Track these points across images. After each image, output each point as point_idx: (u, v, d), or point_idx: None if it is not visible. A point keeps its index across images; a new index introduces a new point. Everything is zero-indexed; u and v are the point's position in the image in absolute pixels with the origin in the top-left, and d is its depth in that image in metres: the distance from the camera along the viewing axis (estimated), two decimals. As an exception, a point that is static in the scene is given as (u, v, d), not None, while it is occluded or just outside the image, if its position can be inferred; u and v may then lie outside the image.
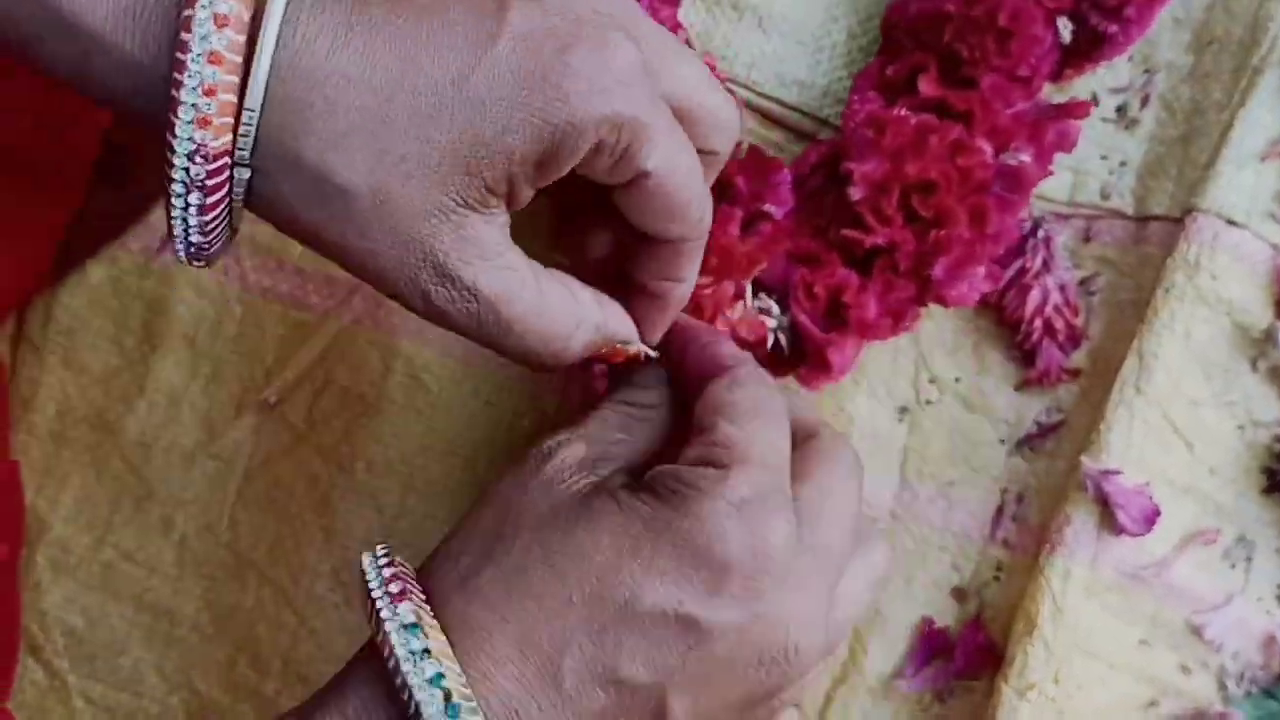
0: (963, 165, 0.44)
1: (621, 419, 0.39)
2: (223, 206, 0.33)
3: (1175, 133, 0.48)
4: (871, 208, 0.44)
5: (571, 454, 0.37)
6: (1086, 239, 0.49)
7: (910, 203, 0.44)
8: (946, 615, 0.47)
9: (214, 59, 0.31)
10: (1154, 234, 0.48)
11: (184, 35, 0.31)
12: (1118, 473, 0.45)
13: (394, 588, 0.34)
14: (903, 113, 0.45)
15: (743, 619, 0.35)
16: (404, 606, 0.33)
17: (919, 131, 0.45)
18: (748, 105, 0.49)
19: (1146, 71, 0.49)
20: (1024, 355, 0.48)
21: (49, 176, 0.46)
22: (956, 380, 0.48)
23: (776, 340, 0.45)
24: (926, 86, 0.46)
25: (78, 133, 0.44)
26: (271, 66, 0.32)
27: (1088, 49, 0.48)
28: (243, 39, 0.31)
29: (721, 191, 0.45)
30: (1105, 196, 0.49)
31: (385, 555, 0.36)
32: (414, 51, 0.33)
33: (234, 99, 0.31)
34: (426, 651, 0.33)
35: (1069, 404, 0.48)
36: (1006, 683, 0.45)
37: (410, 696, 0.32)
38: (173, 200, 0.33)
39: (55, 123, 0.43)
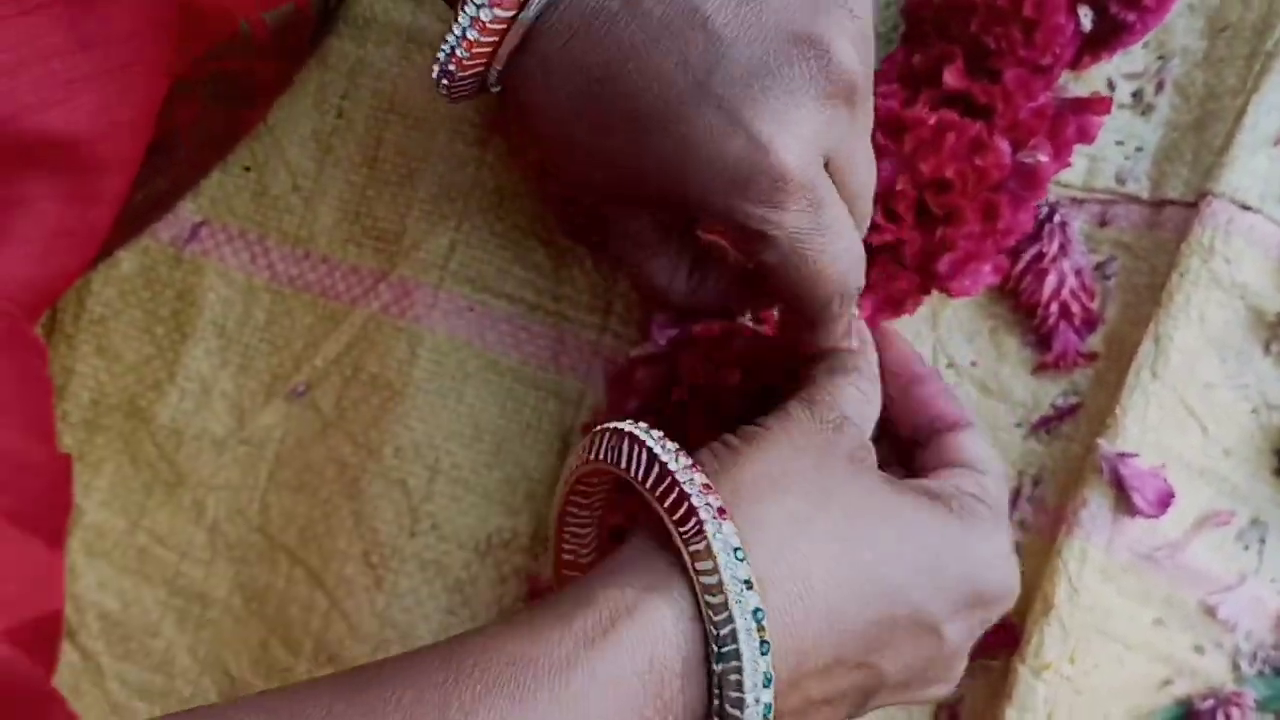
0: (980, 164, 0.45)
1: (862, 394, 0.41)
2: (494, 37, 0.35)
3: (1190, 118, 0.49)
4: (883, 207, 0.45)
5: (856, 435, 0.40)
6: (1102, 224, 0.49)
7: (923, 198, 0.45)
8: (964, 596, 0.48)
9: None
10: (1169, 218, 0.48)
11: None
12: (1133, 455, 0.46)
13: (713, 500, 0.34)
14: (922, 111, 0.46)
15: (968, 639, 0.40)
16: (728, 527, 0.34)
17: (937, 130, 0.45)
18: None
19: (1161, 58, 0.49)
20: (1040, 339, 0.49)
21: (100, 174, 0.47)
22: (973, 365, 0.49)
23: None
24: (952, 78, 0.46)
25: (128, 131, 0.45)
26: None
27: (1107, 37, 0.49)
28: None
29: None
30: (1121, 181, 0.49)
31: (679, 448, 0.36)
32: None
33: None
34: (749, 584, 0.33)
35: (1085, 388, 0.48)
36: (1023, 662, 0.45)
37: (728, 619, 0.33)
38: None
39: (111, 118, 0.44)
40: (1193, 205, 0.47)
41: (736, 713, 0.33)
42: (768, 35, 0.35)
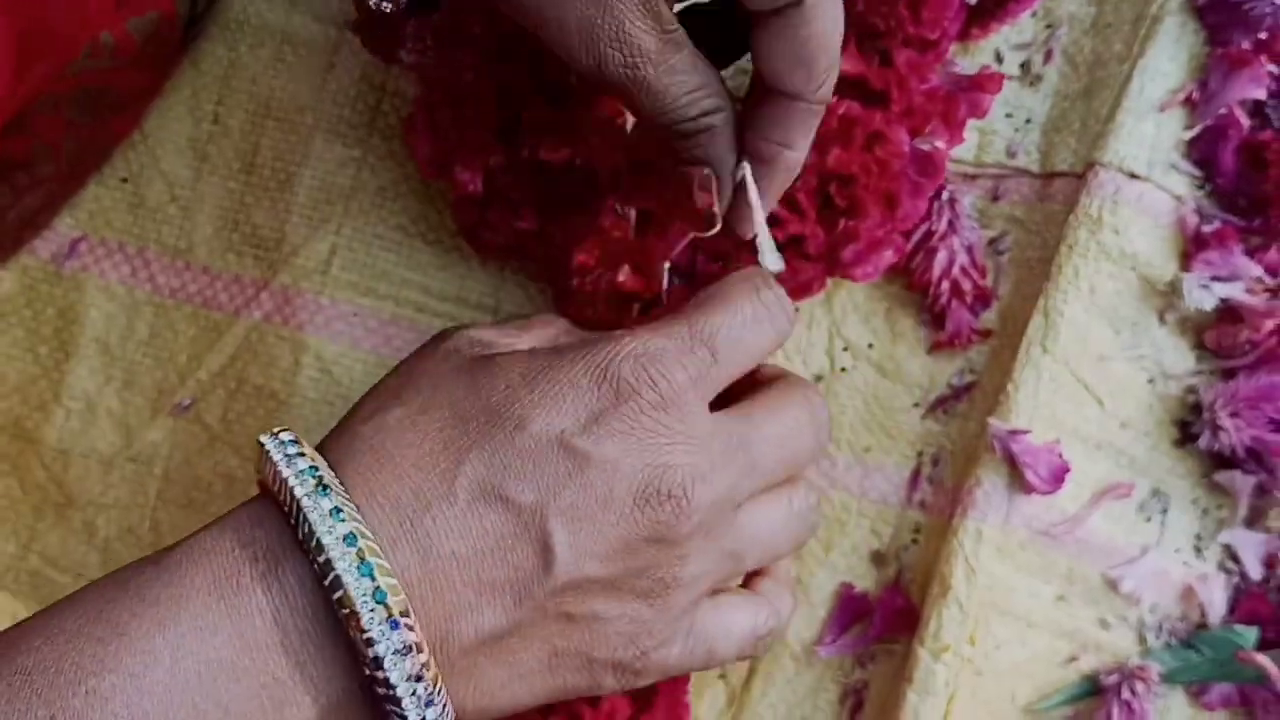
0: (881, 156, 0.45)
1: (516, 323, 0.42)
2: None
3: (1078, 86, 0.48)
4: (786, 199, 0.44)
5: (478, 335, 0.40)
6: (995, 198, 0.49)
7: (826, 189, 0.45)
8: (866, 580, 0.48)
9: None
10: (1058, 190, 0.48)
11: None
12: (1026, 432, 0.45)
13: (284, 433, 0.36)
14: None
15: (619, 452, 0.37)
16: (285, 433, 0.35)
17: (844, 123, 0.45)
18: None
19: (1049, 26, 0.49)
20: (934, 318, 0.48)
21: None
22: (870, 347, 0.48)
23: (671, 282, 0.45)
24: (848, 63, 0.45)
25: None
26: None
27: (994, 8, 0.48)
28: None
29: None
30: (1011, 155, 0.49)
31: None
32: None
33: None
34: (301, 454, 0.35)
35: (981, 365, 0.48)
36: (922, 644, 0.45)
37: (285, 488, 0.34)
38: None
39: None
40: (1081, 176, 0.47)
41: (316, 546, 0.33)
42: None
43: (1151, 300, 0.47)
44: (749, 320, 0.40)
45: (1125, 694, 0.46)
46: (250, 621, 0.33)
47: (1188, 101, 0.47)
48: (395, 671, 0.33)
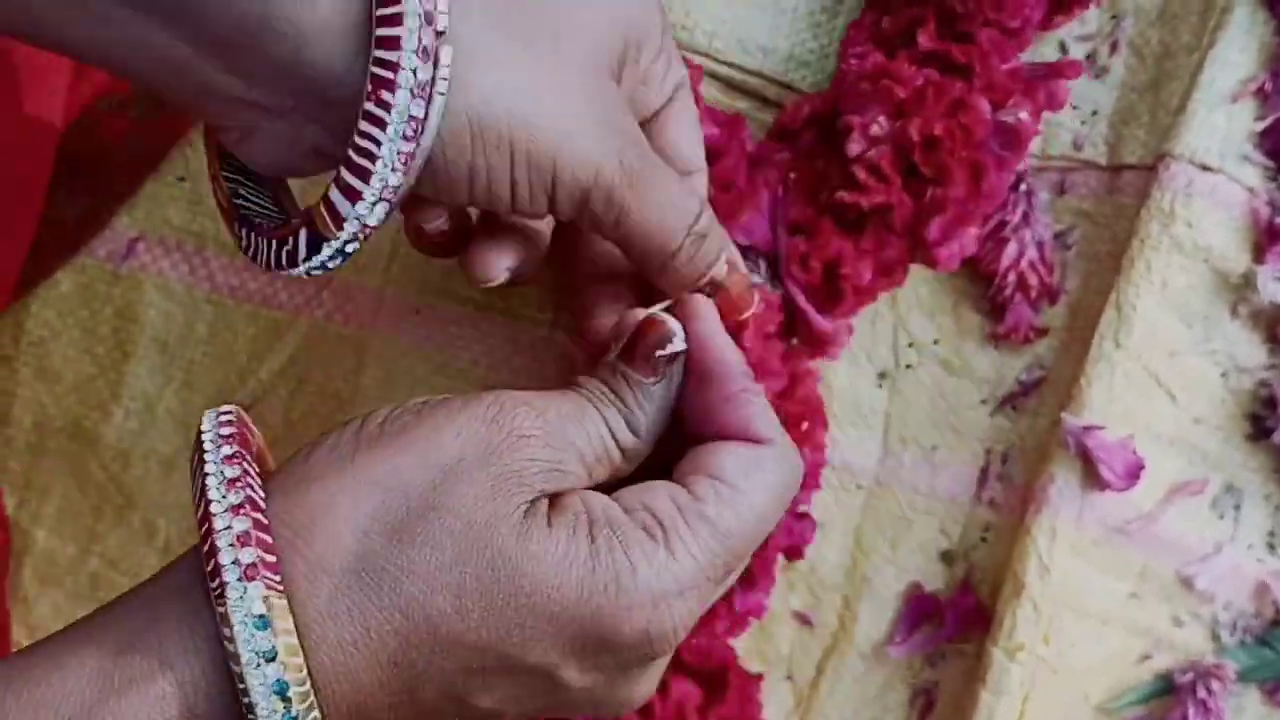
0: (965, 122, 0.44)
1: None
2: (417, 142, 0.33)
3: (1145, 78, 0.47)
4: (869, 166, 0.44)
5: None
6: (1061, 192, 0.48)
7: (910, 158, 0.44)
8: (935, 579, 0.47)
9: (429, 18, 0.32)
10: (1128, 183, 0.47)
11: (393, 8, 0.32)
12: (1100, 428, 0.45)
13: (245, 556, 0.31)
14: (907, 67, 0.44)
15: (604, 687, 0.34)
16: (254, 589, 0.30)
17: (922, 87, 0.44)
18: (711, 75, 0.48)
19: (1114, 17, 0.48)
20: (994, 309, 0.47)
21: (5, 194, 0.46)
22: (935, 342, 0.48)
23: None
24: (926, 39, 0.45)
25: (32, 148, 0.44)
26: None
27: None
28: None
29: None
30: (1078, 148, 0.48)
31: (229, 433, 0.34)
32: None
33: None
34: (269, 656, 0.30)
35: (1050, 360, 0.47)
36: (996, 645, 0.44)
37: (245, 687, 0.30)
38: (384, 145, 0.33)
39: (8, 140, 0.43)
40: (1151, 168, 0.46)
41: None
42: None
43: (1224, 294, 0.46)
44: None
45: (1200, 692, 0.45)
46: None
47: (1259, 92, 0.46)
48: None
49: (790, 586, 0.47)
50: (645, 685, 0.35)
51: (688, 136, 0.40)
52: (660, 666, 0.36)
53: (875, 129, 0.44)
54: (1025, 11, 0.45)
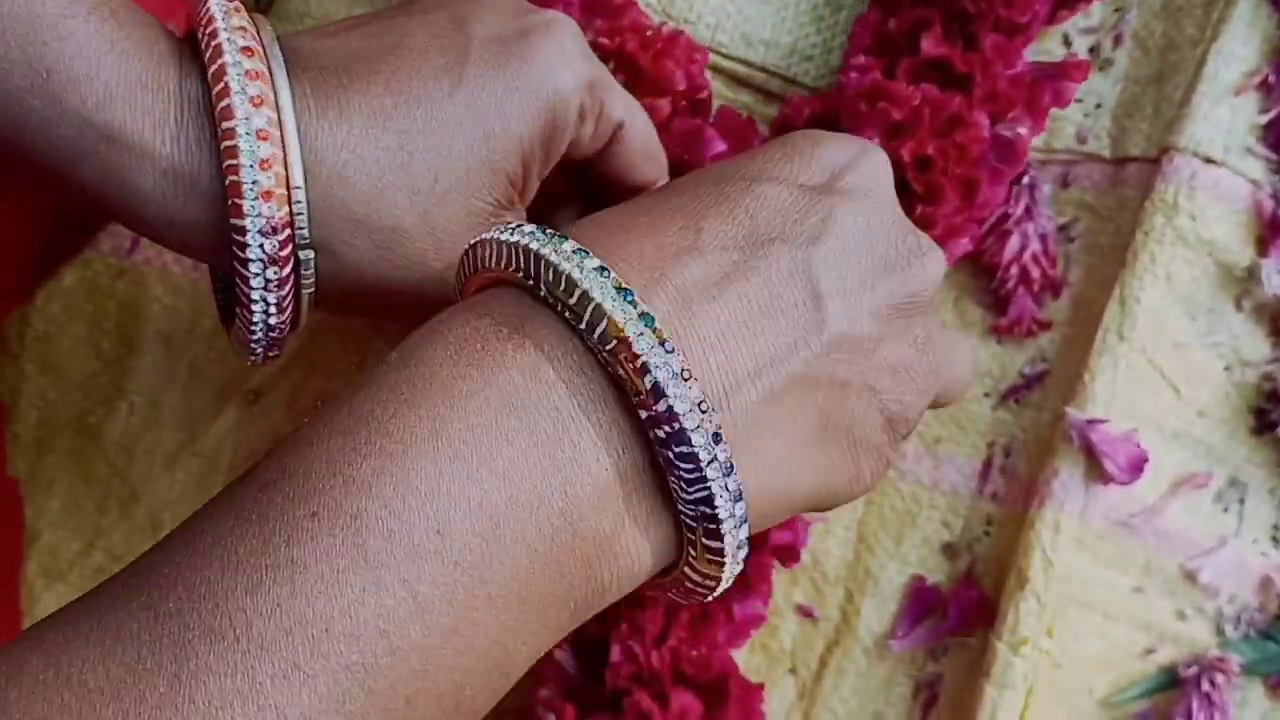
0: (960, 140, 0.44)
1: None
2: (291, 285, 0.35)
3: (1149, 71, 0.47)
4: None
5: None
6: (1064, 184, 0.48)
7: (904, 175, 0.44)
8: (938, 572, 0.47)
9: (261, 135, 0.33)
10: (1132, 176, 0.47)
11: (226, 123, 0.33)
12: (1103, 421, 0.45)
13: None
14: (904, 86, 0.44)
15: (869, 206, 0.35)
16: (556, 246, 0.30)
17: (919, 108, 0.44)
18: (714, 68, 0.48)
19: (1118, 10, 0.48)
20: (997, 302, 0.47)
21: (19, 197, 0.46)
22: (939, 336, 0.48)
23: None
24: (930, 45, 0.45)
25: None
26: (300, 137, 0.35)
27: None
28: (277, 116, 0.34)
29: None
30: (1081, 140, 0.48)
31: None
32: (406, 91, 0.36)
33: (284, 172, 0.34)
34: (520, 226, 0.31)
35: (1053, 354, 0.47)
36: (999, 639, 0.44)
37: (527, 254, 0.30)
38: (251, 282, 0.34)
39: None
40: (1155, 161, 0.46)
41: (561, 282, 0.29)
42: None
43: (1228, 287, 0.46)
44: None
45: (1205, 686, 0.45)
46: (509, 377, 0.28)
47: (1263, 85, 0.46)
48: (680, 402, 0.28)
49: (793, 580, 0.47)
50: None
51: (638, 165, 0.41)
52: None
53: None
54: (1034, 6, 0.45)
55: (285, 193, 0.34)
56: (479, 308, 0.30)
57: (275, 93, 0.34)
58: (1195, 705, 0.45)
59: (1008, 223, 0.47)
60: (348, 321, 0.48)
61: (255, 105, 0.33)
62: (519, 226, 0.31)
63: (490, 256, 0.31)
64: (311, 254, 0.35)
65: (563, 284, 0.29)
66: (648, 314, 0.29)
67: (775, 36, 0.48)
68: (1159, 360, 0.46)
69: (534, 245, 0.30)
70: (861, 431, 0.34)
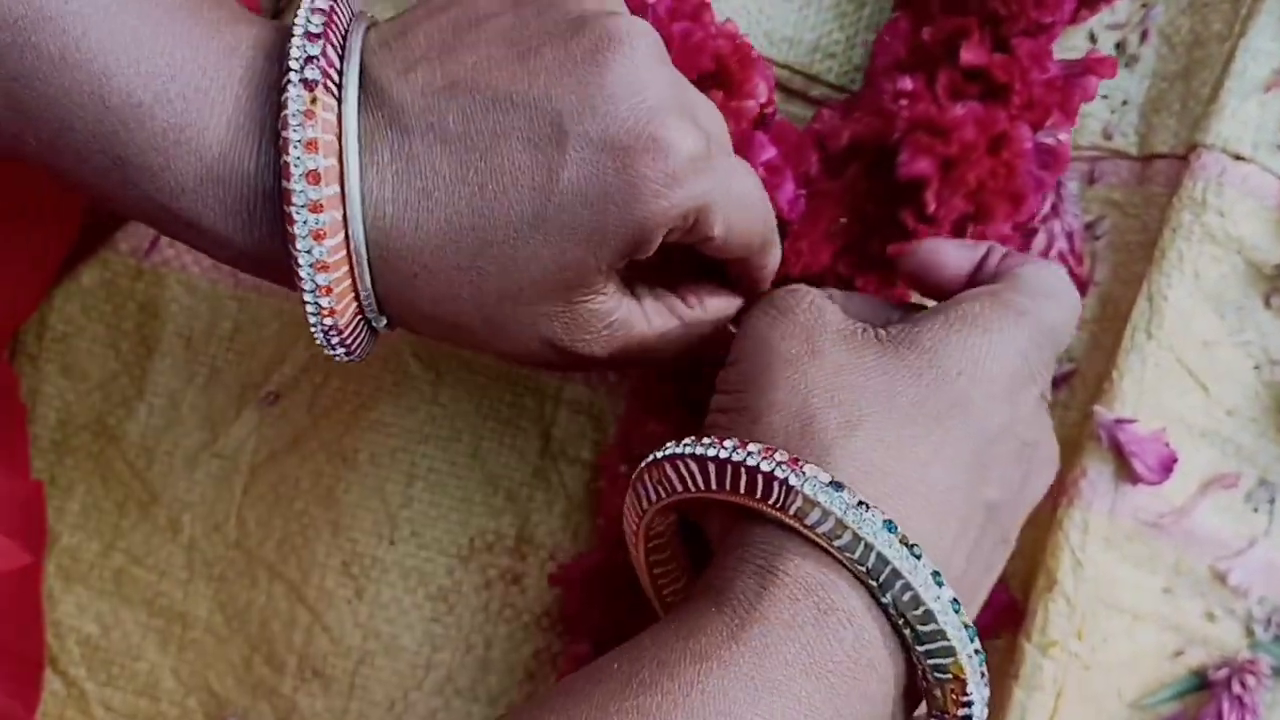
0: (1007, 159, 0.44)
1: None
2: (360, 334, 0.36)
3: (1176, 67, 0.47)
4: (915, 209, 0.44)
5: (825, 304, 0.39)
6: (1091, 181, 0.47)
7: (955, 198, 0.44)
8: (965, 574, 0.46)
9: (326, 237, 0.33)
10: (1159, 173, 0.47)
11: (292, 227, 0.33)
12: (1132, 421, 0.44)
13: (779, 456, 0.34)
14: (955, 112, 0.44)
15: (1038, 435, 0.39)
16: (810, 469, 0.33)
17: (967, 135, 0.44)
18: (735, 66, 0.48)
19: (1144, 5, 0.47)
20: (1024, 302, 0.47)
21: (49, 200, 0.46)
22: (964, 335, 0.47)
23: None
24: (970, 54, 0.44)
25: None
26: (367, 244, 0.34)
27: None
28: (340, 215, 0.33)
29: None
30: (1108, 137, 0.47)
31: (716, 440, 0.35)
32: (490, 205, 0.34)
33: (350, 279, 0.34)
34: (863, 504, 0.33)
35: (1079, 352, 0.47)
36: (1029, 640, 0.44)
37: (867, 549, 0.33)
38: (314, 328, 0.35)
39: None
40: (1183, 158, 0.46)
41: (924, 616, 0.33)
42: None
43: (1257, 284, 0.45)
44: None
45: (1235, 688, 0.44)
46: (849, 700, 0.32)
47: (1292, 81, 0.46)
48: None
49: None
50: None
51: (733, 254, 0.40)
52: None
53: (929, 175, 0.44)
54: (1063, 6, 0.44)
55: (353, 293, 0.34)
56: (818, 598, 0.33)
57: (346, 201, 0.33)
58: (1226, 708, 0.44)
59: (1034, 220, 0.46)
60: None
61: (316, 211, 0.32)
62: (858, 507, 0.33)
63: (826, 529, 0.33)
64: (384, 320, 0.36)
65: (919, 612, 0.33)
66: (980, 651, 0.33)
67: (798, 34, 0.48)
68: (1188, 359, 0.45)
69: (890, 554, 0.33)
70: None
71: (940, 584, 0.33)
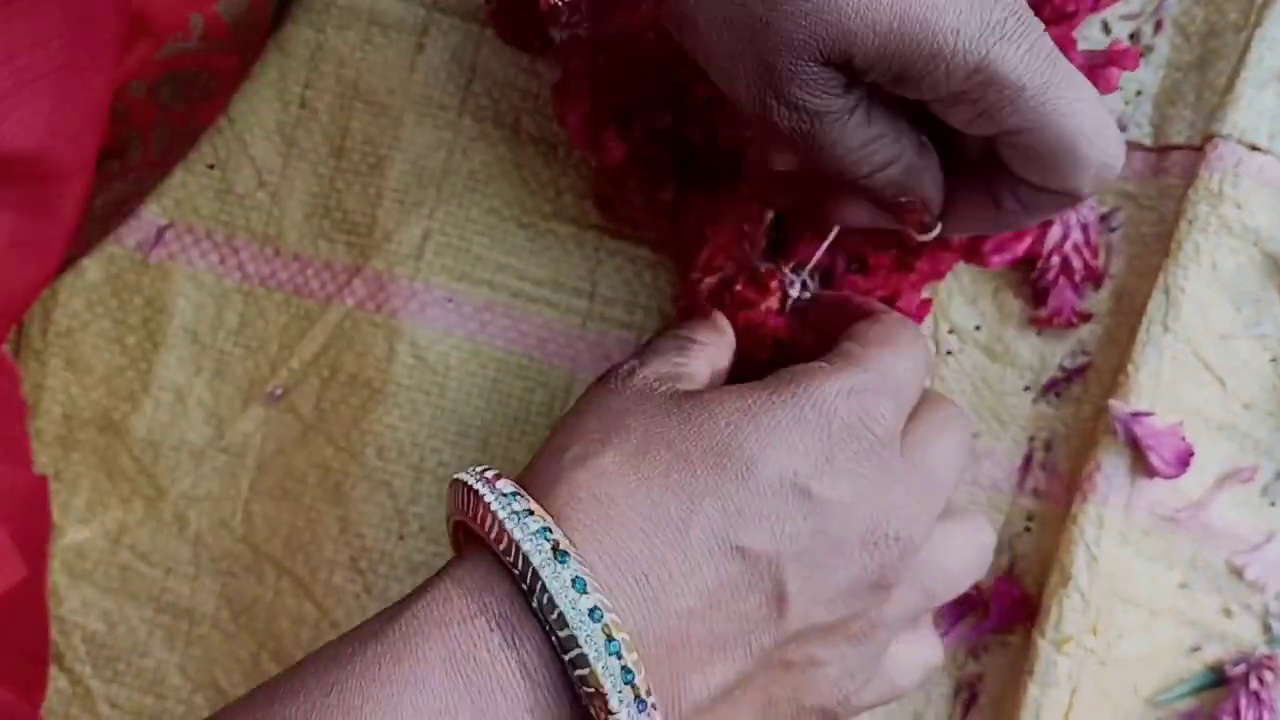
0: None
1: (677, 345, 0.40)
2: None
3: (1191, 57, 0.46)
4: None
5: (655, 369, 0.38)
6: (1104, 173, 0.47)
7: None
8: (979, 570, 0.46)
9: None
10: (1174, 164, 0.46)
11: None
12: (1148, 414, 0.44)
13: (489, 473, 0.34)
14: None
15: (850, 495, 0.35)
16: (502, 482, 0.34)
17: None
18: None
19: (1158, -5, 0.47)
20: (1036, 294, 0.46)
21: (55, 182, 0.45)
22: (977, 329, 0.47)
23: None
24: None
25: (79, 136, 0.43)
26: None
27: None
28: None
29: None
30: (1122, 128, 0.47)
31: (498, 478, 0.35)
32: None
33: None
34: (529, 512, 0.33)
35: (1094, 345, 0.46)
36: (1043, 636, 0.44)
37: (517, 552, 0.32)
38: None
39: (66, 131, 0.42)
40: (1198, 149, 0.45)
41: (559, 621, 0.32)
42: None
43: (1274, 276, 0.45)
44: (918, 360, 0.39)
45: (1253, 684, 0.44)
46: (492, 700, 0.32)
47: (1309, 71, 0.45)
48: None
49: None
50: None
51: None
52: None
53: None
54: None
55: None
56: (476, 600, 0.33)
57: None
58: (1243, 703, 0.44)
59: (1046, 212, 0.46)
60: (372, 323, 0.48)
61: None
62: (526, 514, 0.33)
63: (492, 533, 0.33)
64: None
65: (554, 617, 0.32)
66: (628, 669, 0.32)
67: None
68: (1204, 352, 0.45)
69: (535, 560, 0.32)
70: (809, 700, 0.37)
71: (582, 591, 0.32)
